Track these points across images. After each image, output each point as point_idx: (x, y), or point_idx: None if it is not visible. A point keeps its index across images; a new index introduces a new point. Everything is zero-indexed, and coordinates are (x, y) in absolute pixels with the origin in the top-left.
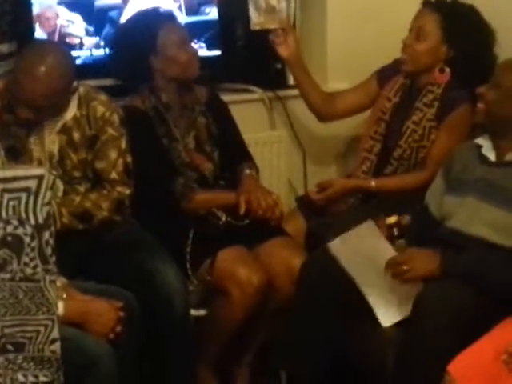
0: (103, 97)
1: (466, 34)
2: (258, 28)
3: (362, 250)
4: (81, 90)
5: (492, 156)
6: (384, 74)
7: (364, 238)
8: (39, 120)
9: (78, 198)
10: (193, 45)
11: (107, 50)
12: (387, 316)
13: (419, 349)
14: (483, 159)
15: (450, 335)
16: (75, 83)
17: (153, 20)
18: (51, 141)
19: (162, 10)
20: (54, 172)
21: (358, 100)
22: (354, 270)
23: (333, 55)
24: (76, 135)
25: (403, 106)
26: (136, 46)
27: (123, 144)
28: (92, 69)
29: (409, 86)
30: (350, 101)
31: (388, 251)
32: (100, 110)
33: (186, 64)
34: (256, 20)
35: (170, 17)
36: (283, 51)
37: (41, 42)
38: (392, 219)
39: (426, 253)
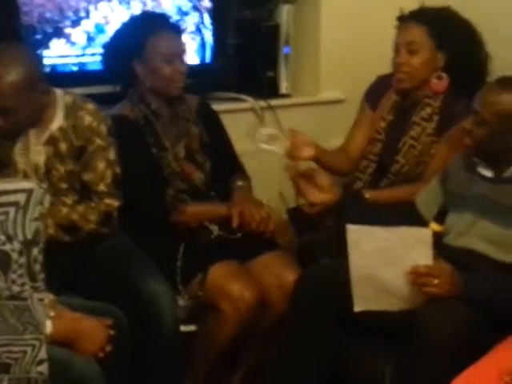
0: (90, 106)
1: (456, 35)
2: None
3: (385, 246)
4: (67, 99)
5: (489, 173)
6: (373, 97)
7: (405, 239)
8: (14, 128)
9: (65, 210)
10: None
11: (97, 58)
12: (362, 302)
13: (420, 366)
14: (481, 176)
15: (452, 352)
16: (44, 85)
17: (149, 24)
18: (37, 152)
19: (166, 16)
20: (43, 185)
21: (364, 136)
22: (357, 258)
23: (326, 64)
24: (63, 146)
25: (398, 123)
26: (123, 45)
27: (111, 154)
28: (81, 76)
29: (401, 101)
30: (360, 142)
31: (426, 259)
32: (87, 119)
33: (167, 79)
34: (265, 145)
35: (166, 24)
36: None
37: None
38: (436, 227)
39: (456, 276)
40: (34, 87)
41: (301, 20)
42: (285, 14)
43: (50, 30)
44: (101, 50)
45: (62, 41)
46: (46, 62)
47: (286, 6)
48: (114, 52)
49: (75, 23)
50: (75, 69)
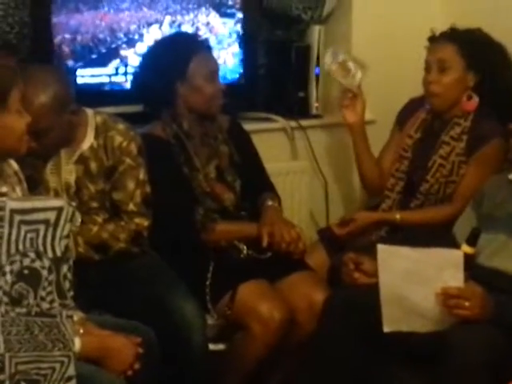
0: (121, 126)
1: (487, 56)
2: (326, 67)
3: (416, 267)
4: (98, 119)
5: None
6: (402, 118)
7: (435, 260)
8: (46, 148)
9: (95, 228)
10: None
11: (129, 77)
12: (392, 322)
13: None
14: None
15: (481, 375)
16: (74, 105)
17: (189, 45)
18: (68, 171)
19: (199, 36)
20: (73, 203)
21: (394, 157)
22: (387, 278)
23: None
24: (93, 165)
25: (427, 141)
26: (166, 68)
27: (141, 174)
28: (112, 96)
29: (431, 120)
30: (389, 163)
31: (457, 281)
32: (117, 139)
33: (210, 97)
34: (328, 62)
35: (206, 45)
36: (349, 116)
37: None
38: (468, 249)
39: (487, 298)
40: (65, 108)
41: (332, 40)
42: (316, 34)
43: (103, 50)
44: None
45: (117, 61)
46: (100, 80)
47: (317, 26)
48: (154, 74)
49: (128, 45)
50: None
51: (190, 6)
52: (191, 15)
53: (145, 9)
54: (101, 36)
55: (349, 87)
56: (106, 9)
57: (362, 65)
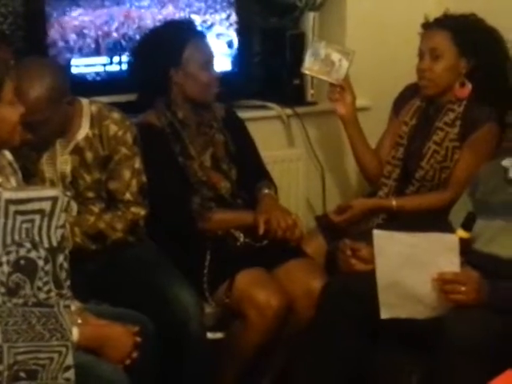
0: (116, 115)
1: (480, 42)
2: (307, 72)
3: (412, 252)
4: (93, 108)
5: None
6: (398, 104)
7: (431, 245)
8: (42, 140)
9: (91, 218)
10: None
11: (123, 66)
12: (389, 309)
13: (447, 374)
14: (510, 182)
15: (479, 361)
16: (70, 96)
17: (183, 32)
18: (63, 161)
19: (194, 24)
20: (69, 193)
21: (392, 144)
22: (384, 265)
23: (351, 71)
24: (89, 155)
25: (422, 128)
26: (160, 55)
27: (137, 163)
28: (106, 85)
29: (425, 107)
30: (388, 151)
31: (453, 266)
32: (113, 129)
33: (204, 85)
34: (308, 65)
35: (200, 33)
36: (340, 108)
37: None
38: (464, 234)
39: (483, 283)
40: (60, 100)
41: (326, 27)
42: (310, 21)
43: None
44: None
45: None
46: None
47: (311, 13)
48: (149, 61)
49: None
50: None
51: (218, 6)
52: (223, 15)
53: (170, 7)
54: (130, 33)
55: (336, 82)
56: (127, 5)
57: (346, 52)
